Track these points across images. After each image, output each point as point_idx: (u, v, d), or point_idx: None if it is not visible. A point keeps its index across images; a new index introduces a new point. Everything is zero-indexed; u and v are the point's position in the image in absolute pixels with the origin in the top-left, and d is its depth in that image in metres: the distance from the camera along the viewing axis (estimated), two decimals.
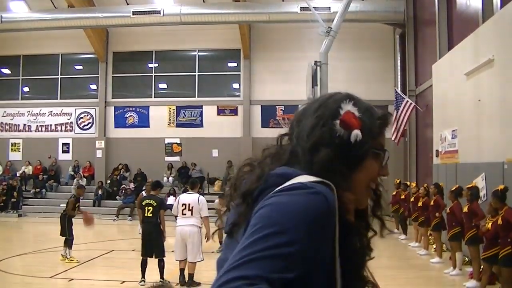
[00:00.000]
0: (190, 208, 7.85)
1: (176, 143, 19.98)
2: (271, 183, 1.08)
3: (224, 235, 1.23)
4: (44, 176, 19.77)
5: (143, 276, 7.77)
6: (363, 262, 1.19)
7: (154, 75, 20.55)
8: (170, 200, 16.09)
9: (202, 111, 19.87)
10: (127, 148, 19.84)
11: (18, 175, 19.93)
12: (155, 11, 17.68)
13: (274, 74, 19.29)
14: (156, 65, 20.66)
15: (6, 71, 21.75)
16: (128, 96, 20.58)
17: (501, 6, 8.85)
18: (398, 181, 13.82)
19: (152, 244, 7.83)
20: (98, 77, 20.50)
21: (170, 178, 19.38)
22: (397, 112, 14.53)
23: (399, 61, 17.77)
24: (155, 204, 7.91)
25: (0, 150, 20.76)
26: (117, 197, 18.78)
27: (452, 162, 10.80)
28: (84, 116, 20.65)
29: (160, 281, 7.24)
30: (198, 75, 20.18)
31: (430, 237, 10.87)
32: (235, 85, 20.29)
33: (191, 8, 17.87)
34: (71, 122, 20.66)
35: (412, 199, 12.01)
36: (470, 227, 7.74)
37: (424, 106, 14.84)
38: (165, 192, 17.06)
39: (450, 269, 8.85)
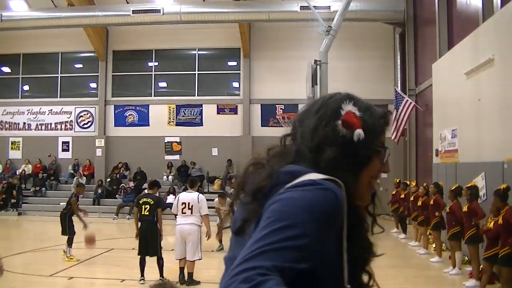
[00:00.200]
0: (190, 206, 7.84)
1: (176, 141, 19.96)
2: (282, 180, 1.10)
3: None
4: (44, 175, 19.80)
5: (142, 274, 7.75)
6: (369, 257, 1.22)
7: (154, 74, 20.54)
8: (170, 198, 16.13)
9: (202, 110, 19.86)
10: (126, 146, 19.84)
11: (18, 173, 19.94)
12: (155, 9, 17.67)
13: (274, 73, 19.26)
14: (156, 63, 20.66)
15: (6, 69, 21.74)
16: (128, 94, 20.57)
17: (501, 6, 8.85)
18: (397, 181, 13.83)
19: (148, 242, 7.79)
20: (98, 75, 20.50)
21: (170, 177, 19.39)
22: (397, 111, 14.52)
23: (399, 60, 17.75)
24: (152, 202, 7.88)
25: (0, 149, 20.75)
26: (117, 195, 18.77)
27: (452, 161, 10.80)
28: (84, 114, 20.65)
29: (160, 279, 7.24)
30: (198, 74, 20.16)
31: (430, 236, 10.89)
32: (235, 84, 20.28)
33: (191, 7, 17.87)
34: (71, 121, 20.66)
35: (411, 198, 12.01)
36: (469, 226, 7.75)
37: (424, 106, 14.83)
38: (164, 191, 17.09)
39: (450, 269, 8.86)
